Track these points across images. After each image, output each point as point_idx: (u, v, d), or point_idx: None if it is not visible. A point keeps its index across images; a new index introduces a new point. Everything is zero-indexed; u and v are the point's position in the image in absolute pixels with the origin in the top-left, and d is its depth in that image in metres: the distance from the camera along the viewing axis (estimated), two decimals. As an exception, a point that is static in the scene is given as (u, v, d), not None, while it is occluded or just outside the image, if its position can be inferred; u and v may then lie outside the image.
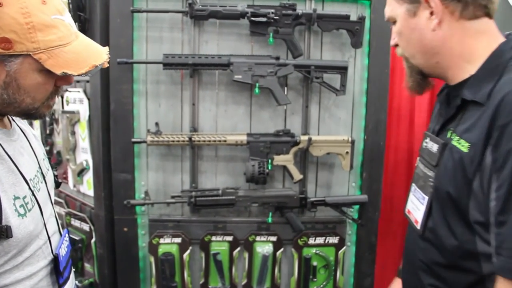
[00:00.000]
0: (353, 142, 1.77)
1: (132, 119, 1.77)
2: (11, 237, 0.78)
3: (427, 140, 1.00)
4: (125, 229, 1.83)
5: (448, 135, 0.91)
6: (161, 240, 1.81)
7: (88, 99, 1.83)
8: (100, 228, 1.86)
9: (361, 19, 1.69)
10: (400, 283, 1.22)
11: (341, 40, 1.78)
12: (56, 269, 0.92)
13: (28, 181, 0.87)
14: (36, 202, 0.88)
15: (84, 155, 1.91)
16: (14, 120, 0.95)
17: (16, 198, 0.81)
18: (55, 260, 0.92)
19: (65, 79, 0.87)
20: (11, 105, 0.82)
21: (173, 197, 1.77)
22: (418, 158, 1.06)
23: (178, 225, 1.83)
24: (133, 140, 1.75)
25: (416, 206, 1.00)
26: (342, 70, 1.72)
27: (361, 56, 1.80)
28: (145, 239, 1.85)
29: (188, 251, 1.84)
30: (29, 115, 0.87)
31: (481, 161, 0.78)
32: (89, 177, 1.90)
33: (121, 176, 1.80)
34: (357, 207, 1.85)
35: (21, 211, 0.81)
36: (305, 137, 1.75)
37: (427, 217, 0.94)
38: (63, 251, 0.98)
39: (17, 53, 0.76)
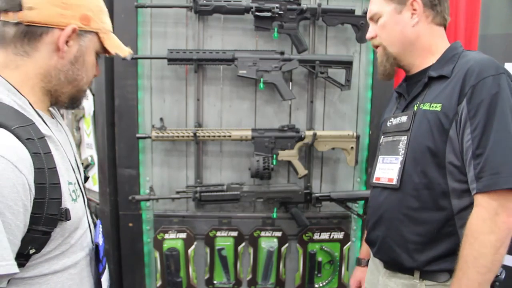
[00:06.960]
0: (358, 137, 1.77)
1: (136, 115, 1.78)
2: (70, 219, 0.80)
3: (391, 119, 1.22)
4: (130, 224, 1.83)
5: (415, 108, 1.12)
6: (166, 236, 1.82)
7: (93, 94, 1.83)
8: (105, 223, 1.86)
9: (366, 14, 1.68)
10: (362, 271, 1.42)
11: (346, 35, 1.77)
12: (96, 257, 0.95)
13: (74, 169, 0.90)
14: (80, 190, 0.91)
15: (89, 151, 1.92)
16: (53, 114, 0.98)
17: (69, 183, 0.84)
18: (96, 248, 0.95)
19: (97, 68, 0.95)
20: (72, 83, 0.87)
21: (178, 192, 1.78)
22: (382, 137, 1.27)
23: (183, 221, 1.84)
24: (137, 135, 1.75)
25: (388, 168, 1.18)
26: (347, 65, 1.72)
27: (366, 51, 1.79)
28: (150, 234, 1.85)
29: (193, 246, 1.84)
30: (77, 99, 0.92)
31: (455, 114, 1.02)
32: (94, 172, 1.91)
33: (126, 172, 1.80)
34: (362, 202, 1.84)
35: (73, 196, 0.85)
36: (310, 132, 1.75)
37: (403, 171, 1.11)
38: (100, 240, 1.01)
39: (92, 29, 0.86)
